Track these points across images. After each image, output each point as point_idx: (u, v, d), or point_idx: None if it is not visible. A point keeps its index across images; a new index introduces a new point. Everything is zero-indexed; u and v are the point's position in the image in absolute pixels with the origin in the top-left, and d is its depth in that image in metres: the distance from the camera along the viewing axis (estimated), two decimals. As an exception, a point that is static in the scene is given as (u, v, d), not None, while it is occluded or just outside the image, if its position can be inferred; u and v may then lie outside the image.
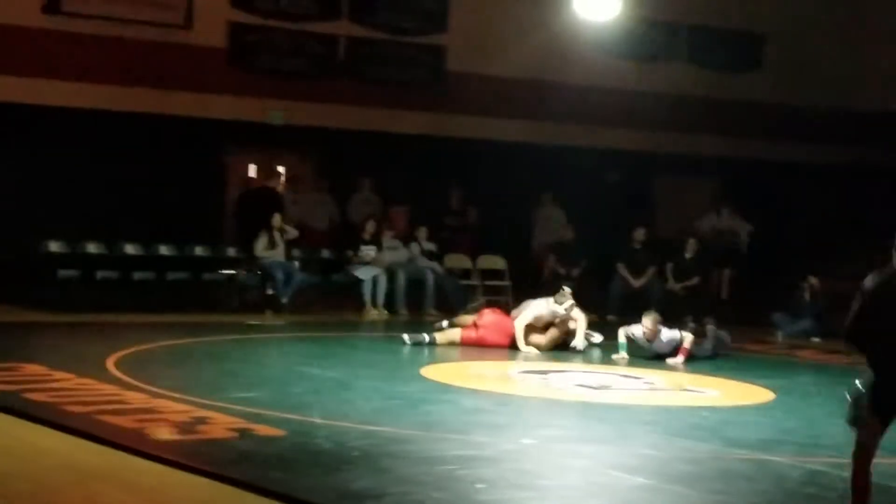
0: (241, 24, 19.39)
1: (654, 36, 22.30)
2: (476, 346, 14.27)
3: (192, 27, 18.96)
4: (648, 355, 14.02)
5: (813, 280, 18.06)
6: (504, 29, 20.82)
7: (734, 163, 22.77)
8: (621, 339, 14.11)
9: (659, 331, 14.04)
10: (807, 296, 17.95)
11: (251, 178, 19.96)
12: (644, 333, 14.01)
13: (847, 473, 8.20)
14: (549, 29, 20.47)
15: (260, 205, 18.63)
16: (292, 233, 18.05)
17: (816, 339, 17.38)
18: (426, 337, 14.40)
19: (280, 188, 19.87)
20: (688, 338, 14.13)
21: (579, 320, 14.75)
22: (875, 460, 8.82)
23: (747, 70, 23.31)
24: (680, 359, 13.94)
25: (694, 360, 14.03)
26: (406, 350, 14.08)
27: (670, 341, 14.06)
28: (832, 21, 23.52)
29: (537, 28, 20.63)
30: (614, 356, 14.01)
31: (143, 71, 18.55)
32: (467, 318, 14.96)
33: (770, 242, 22.29)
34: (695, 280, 19.19)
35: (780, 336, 17.68)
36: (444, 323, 15.05)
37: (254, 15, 19.47)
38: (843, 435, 9.83)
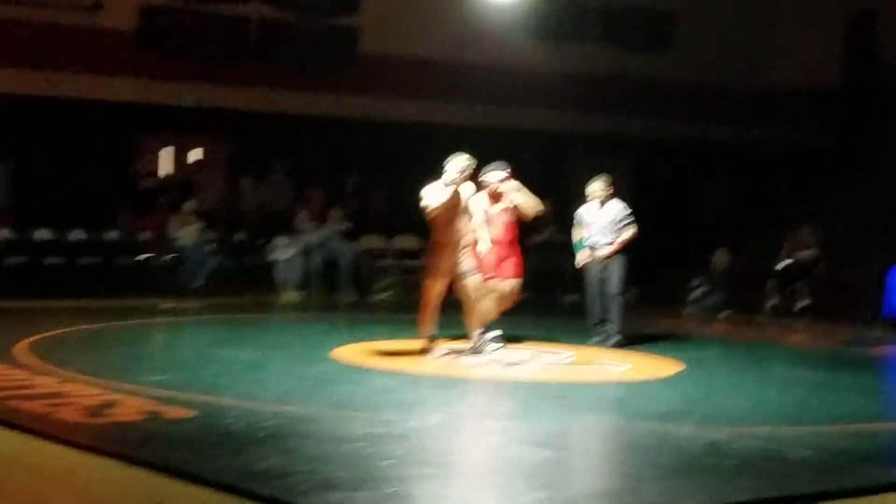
0: (152, 7, 19.25)
1: (565, 15, 22.44)
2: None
3: (102, 10, 18.82)
4: (597, 237, 13.31)
5: (722, 254, 18.32)
6: (416, 9, 20.87)
7: (645, 142, 23.01)
8: (575, 238, 13.61)
9: (611, 194, 13.38)
10: (714, 270, 18.21)
11: (166, 167, 19.90)
12: (598, 196, 13.31)
13: (748, 443, 8.42)
14: (462, 9, 20.58)
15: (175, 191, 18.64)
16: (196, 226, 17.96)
17: (727, 312, 17.68)
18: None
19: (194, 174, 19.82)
20: (628, 231, 13.30)
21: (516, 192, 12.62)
22: (770, 429, 9.08)
23: (657, 49, 23.53)
24: (607, 250, 13.29)
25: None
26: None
27: (617, 215, 13.27)
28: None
29: (450, 8, 20.71)
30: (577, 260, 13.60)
31: (53, 54, 18.37)
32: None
33: (683, 219, 22.57)
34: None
35: (692, 310, 17.95)
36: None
37: (164, -3, 19.39)
38: (745, 406, 10.10)
